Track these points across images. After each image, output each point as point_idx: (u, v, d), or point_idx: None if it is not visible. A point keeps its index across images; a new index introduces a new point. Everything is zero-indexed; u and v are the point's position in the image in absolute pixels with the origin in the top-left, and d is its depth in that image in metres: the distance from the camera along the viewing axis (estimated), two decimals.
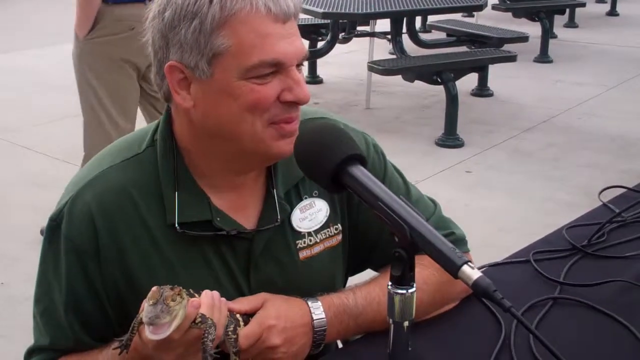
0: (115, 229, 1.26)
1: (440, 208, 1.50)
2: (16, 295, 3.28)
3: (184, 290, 1.13)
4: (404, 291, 1.03)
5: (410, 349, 1.07)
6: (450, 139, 5.30)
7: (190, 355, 1.15)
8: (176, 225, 1.26)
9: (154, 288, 1.09)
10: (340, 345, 1.52)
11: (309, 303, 1.32)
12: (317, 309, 1.32)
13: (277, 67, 1.19)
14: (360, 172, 1.08)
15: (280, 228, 1.34)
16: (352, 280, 1.49)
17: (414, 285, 1.03)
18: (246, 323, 1.26)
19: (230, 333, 1.21)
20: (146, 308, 1.06)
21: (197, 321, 1.11)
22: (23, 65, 7.82)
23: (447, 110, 5.34)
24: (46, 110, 6.10)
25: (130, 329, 1.16)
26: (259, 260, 1.33)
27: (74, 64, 3.56)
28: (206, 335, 1.11)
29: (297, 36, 1.22)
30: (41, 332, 1.32)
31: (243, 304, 1.28)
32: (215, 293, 1.19)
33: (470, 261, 0.96)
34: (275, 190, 1.33)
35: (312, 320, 1.31)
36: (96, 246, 1.26)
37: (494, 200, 4.39)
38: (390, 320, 1.05)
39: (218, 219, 1.28)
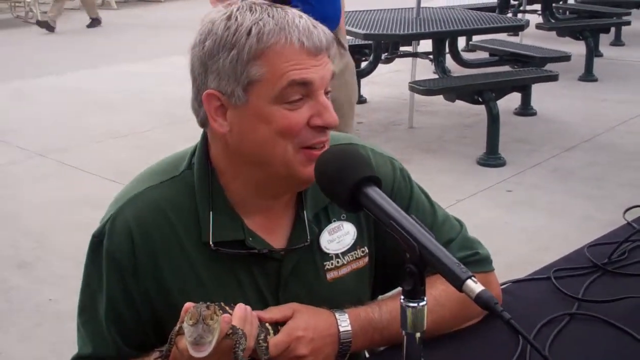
0: (152, 246, 1.34)
1: (466, 228, 1.56)
2: (65, 312, 3.38)
3: (217, 305, 1.21)
4: (415, 304, 1.10)
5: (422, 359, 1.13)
6: (491, 157, 5.32)
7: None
8: (211, 243, 1.33)
9: (191, 308, 1.15)
10: (367, 355, 1.58)
11: (336, 315, 1.38)
12: (344, 321, 1.37)
13: (306, 91, 1.28)
14: (375, 193, 1.16)
15: (309, 249, 1.39)
16: None
17: (425, 299, 1.10)
18: (276, 332, 1.32)
19: (261, 342, 1.28)
20: (187, 328, 1.13)
21: (228, 333, 1.19)
22: (73, 85, 8.07)
23: (489, 130, 5.36)
24: (95, 130, 6.29)
25: (169, 340, 1.25)
26: (288, 280, 1.39)
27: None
28: (237, 345, 1.19)
29: (326, 66, 1.31)
30: (84, 341, 1.40)
31: (273, 313, 1.35)
32: (248, 307, 1.27)
33: (474, 276, 1.03)
34: (305, 212, 1.39)
35: (339, 331, 1.36)
36: (134, 262, 1.33)
37: (534, 219, 4.39)
38: (403, 332, 1.12)
39: (250, 239, 1.35)
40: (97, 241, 1.38)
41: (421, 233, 1.09)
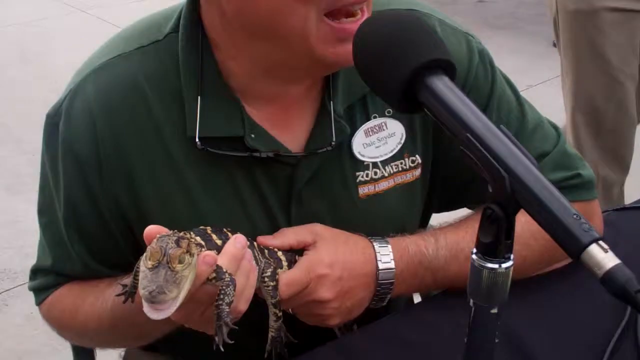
0: (121, 136, 1.00)
1: (564, 139, 1.15)
2: None
3: (194, 235, 0.86)
4: (495, 265, 0.70)
5: (497, 340, 0.75)
6: None
7: (201, 315, 0.88)
8: (197, 139, 0.99)
9: (154, 241, 0.80)
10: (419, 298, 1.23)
11: (376, 246, 1.06)
12: (386, 256, 1.05)
13: None
14: (444, 85, 0.73)
15: (335, 154, 1.05)
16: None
17: (511, 257, 0.71)
18: (290, 264, 1.01)
19: (267, 279, 0.96)
20: (143, 274, 0.78)
21: (210, 277, 0.84)
22: None
23: None
24: None
25: (133, 273, 0.90)
26: (303, 192, 1.06)
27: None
28: (222, 296, 0.83)
29: None
30: (44, 250, 1.11)
31: (287, 237, 1.03)
32: (240, 239, 0.89)
33: (601, 238, 0.62)
34: (332, 104, 1.03)
35: (377, 269, 1.04)
36: (97, 156, 1.01)
37: None
38: (471, 302, 0.74)
39: (252, 135, 1.01)
40: (51, 123, 1.04)
41: (516, 158, 0.68)
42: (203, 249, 0.84)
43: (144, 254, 0.79)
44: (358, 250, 1.04)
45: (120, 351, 1.33)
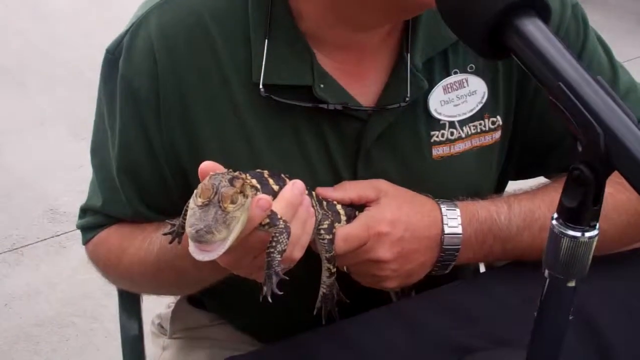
0: (182, 75, 0.95)
1: None
2: None
3: (249, 177, 0.79)
4: (578, 233, 0.63)
5: (571, 317, 0.68)
6: None
7: (250, 263, 0.82)
8: (260, 86, 0.93)
9: (205, 179, 0.74)
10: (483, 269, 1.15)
11: (443, 209, 0.99)
12: (453, 220, 0.98)
13: None
14: (536, 28, 0.65)
15: (409, 111, 0.99)
16: None
17: (597, 226, 0.63)
18: (349, 219, 0.95)
19: (323, 232, 0.91)
20: (191, 211, 0.73)
21: (263, 223, 0.77)
22: None
23: None
24: None
25: (183, 212, 0.84)
26: (372, 149, 1.00)
27: None
28: (274, 243, 0.77)
29: None
30: (95, 190, 1.07)
31: (348, 191, 0.97)
32: (299, 185, 0.83)
33: None
34: (409, 56, 0.96)
35: (443, 233, 0.98)
36: (156, 94, 0.95)
37: None
38: (546, 272, 0.66)
39: (321, 85, 0.95)
40: (111, 59, 0.99)
41: (613, 112, 0.60)
42: (258, 193, 0.78)
43: (195, 191, 0.73)
44: (424, 211, 0.98)
45: (170, 302, 1.30)
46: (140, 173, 1.00)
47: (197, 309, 1.25)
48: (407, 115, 0.99)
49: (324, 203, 0.94)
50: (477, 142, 1.03)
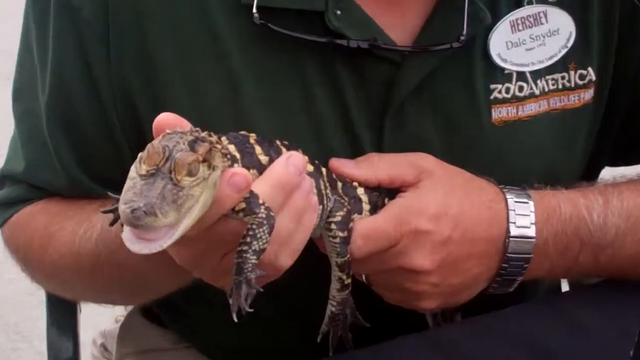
0: None
1: None
2: None
3: (225, 142, 0.67)
4: None
5: None
6: None
7: (219, 263, 0.68)
8: (254, 10, 0.77)
9: (156, 139, 0.61)
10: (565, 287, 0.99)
11: (510, 200, 0.81)
12: (524, 217, 0.80)
13: None
14: None
15: (461, 54, 0.83)
16: None
17: None
18: (375, 209, 0.79)
19: (334, 226, 0.75)
20: (130, 183, 0.60)
21: (237, 209, 0.64)
22: None
23: None
24: None
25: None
26: (406, 105, 0.82)
27: None
28: (248, 239, 0.64)
29: None
30: (17, 150, 0.91)
31: (376, 167, 0.80)
32: (296, 159, 0.67)
33: None
34: None
35: (507, 235, 0.80)
36: (105, 15, 0.81)
37: None
38: None
39: (338, 12, 0.79)
40: None
41: None
42: (236, 165, 0.65)
43: (140, 155, 0.61)
44: (482, 202, 0.80)
45: (118, 315, 1.15)
46: (80, 126, 0.85)
47: (155, 325, 1.08)
48: (457, 60, 0.82)
49: (339, 185, 0.77)
50: (557, 102, 0.86)
